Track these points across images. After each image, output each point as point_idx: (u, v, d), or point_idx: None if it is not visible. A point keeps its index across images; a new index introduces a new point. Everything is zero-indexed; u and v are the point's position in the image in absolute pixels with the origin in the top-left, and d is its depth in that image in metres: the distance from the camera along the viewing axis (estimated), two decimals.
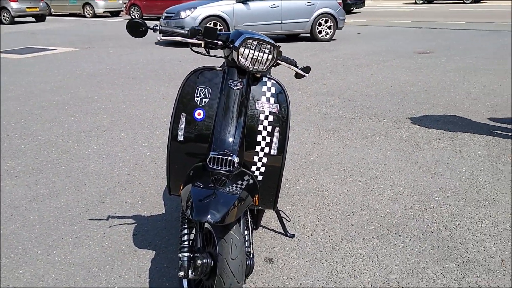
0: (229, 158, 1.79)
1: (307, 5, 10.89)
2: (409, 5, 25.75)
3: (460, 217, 2.71)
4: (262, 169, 1.96)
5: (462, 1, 25.32)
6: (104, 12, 21.30)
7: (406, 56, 8.48)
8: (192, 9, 10.42)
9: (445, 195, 3.01)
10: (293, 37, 11.91)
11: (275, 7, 10.67)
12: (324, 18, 11.07)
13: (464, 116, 4.74)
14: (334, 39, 11.39)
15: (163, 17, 11.09)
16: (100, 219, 2.76)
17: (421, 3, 26.30)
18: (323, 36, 11.14)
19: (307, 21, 10.96)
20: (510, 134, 4.17)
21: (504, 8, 20.70)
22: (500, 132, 4.24)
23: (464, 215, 2.74)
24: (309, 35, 11.29)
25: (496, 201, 2.90)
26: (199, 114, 1.91)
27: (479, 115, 4.76)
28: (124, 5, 21.11)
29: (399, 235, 2.54)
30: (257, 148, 1.93)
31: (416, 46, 9.73)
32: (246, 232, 1.87)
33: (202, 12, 10.35)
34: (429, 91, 5.83)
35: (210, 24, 10.13)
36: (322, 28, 11.10)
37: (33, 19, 18.99)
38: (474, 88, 5.90)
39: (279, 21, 10.79)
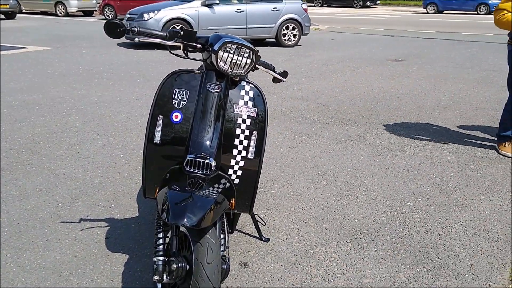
0: (206, 161, 1.79)
1: (273, 10, 10.95)
2: (419, 14, 26.19)
3: (431, 222, 2.78)
4: (239, 173, 1.96)
5: (475, 12, 25.62)
6: (77, 11, 20.93)
7: (378, 64, 8.63)
8: (156, 11, 10.25)
9: (417, 200, 3.07)
10: (258, 42, 11.91)
11: (240, 11, 10.66)
12: (290, 24, 11.15)
13: (435, 123, 4.85)
14: (300, 45, 11.49)
15: (126, 18, 10.87)
16: (71, 222, 2.70)
17: (432, 13, 26.75)
18: (288, 41, 11.23)
19: (273, 27, 11.02)
20: (478, 141, 4.30)
21: (472, 20, 21.33)
22: (468, 139, 4.36)
23: (435, 220, 2.81)
24: (274, 40, 11.36)
25: (465, 207, 2.98)
26: (176, 116, 1.90)
27: (449, 123, 4.88)
28: (98, 5, 20.79)
29: (372, 240, 2.57)
30: (234, 152, 1.93)
31: (389, 54, 9.92)
32: (222, 236, 1.87)
33: (166, 14, 10.20)
34: (401, 98, 5.95)
35: (174, 27, 10.01)
36: (287, 33, 11.19)
37: (2, 16, 18.49)
38: (445, 96, 6.06)
39: (245, 26, 10.78)
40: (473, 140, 4.33)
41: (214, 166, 1.81)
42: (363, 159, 3.81)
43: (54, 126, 4.54)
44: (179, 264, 1.69)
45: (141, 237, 2.55)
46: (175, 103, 1.90)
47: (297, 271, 2.28)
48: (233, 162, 1.94)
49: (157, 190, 1.86)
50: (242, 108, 1.94)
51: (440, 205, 3.00)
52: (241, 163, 1.95)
